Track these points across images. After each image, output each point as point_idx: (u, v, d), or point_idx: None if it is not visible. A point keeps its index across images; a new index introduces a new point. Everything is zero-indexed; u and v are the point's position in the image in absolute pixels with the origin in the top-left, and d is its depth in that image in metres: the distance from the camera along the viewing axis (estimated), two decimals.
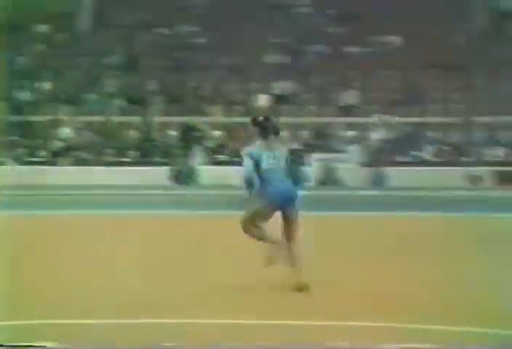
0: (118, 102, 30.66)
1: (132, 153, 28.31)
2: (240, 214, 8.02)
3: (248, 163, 7.85)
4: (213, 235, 12.52)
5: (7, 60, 30.62)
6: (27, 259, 10.05)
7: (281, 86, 31.20)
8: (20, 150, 28.21)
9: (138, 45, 32.79)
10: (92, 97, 30.70)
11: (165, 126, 29.50)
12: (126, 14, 33.45)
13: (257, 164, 7.85)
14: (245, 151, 7.94)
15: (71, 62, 31.66)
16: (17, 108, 29.79)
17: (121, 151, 28.38)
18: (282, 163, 7.88)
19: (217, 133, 29.32)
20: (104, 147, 28.55)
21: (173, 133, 29.12)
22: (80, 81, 31.28)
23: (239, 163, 8.47)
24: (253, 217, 7.84)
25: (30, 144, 28.61)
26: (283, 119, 29.67)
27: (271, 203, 7.78)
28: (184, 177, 26.97)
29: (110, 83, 31.40)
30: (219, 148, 28.62)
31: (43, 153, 28.31)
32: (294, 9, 34.84)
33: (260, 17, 33.37)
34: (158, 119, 29.68)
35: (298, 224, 7.91)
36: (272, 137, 7.92)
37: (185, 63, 31.72)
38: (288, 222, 7.87)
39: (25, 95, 30.55)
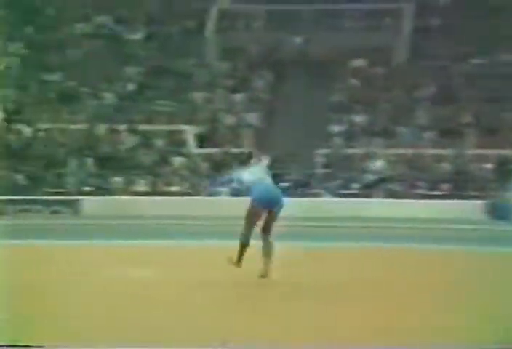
0: (430, 134, 30.33)
1: (444, 186, 27.81)
2: None
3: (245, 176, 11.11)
4: None
5: (322, 94, 31.74)
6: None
7: None
8: (335, 183, 28.76)
9: (453, 76, 32.29)
10: (404, 129, 30.64)
11: (479, 158, 28.64)
12: (442, 46, 33.10)
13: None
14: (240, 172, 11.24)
15: (384, 95, 31.91)
16: (329, 141, 30.55)
17: (433, 184, 27.98)
18: (267, 176, 10.94)
19: None
20: (416, 180, 28.32)
21: (488, 166, 28.19)
22: (393, 113, 31.38)
23: None
24: (249, 214, 10.66)
25: (344, 176, 29.09)
26: None
27: (260, 204, 10.62)
28: (499, 211, 25.91)
29: (423, 116, 31.16)
30: None
31: (355, 185, 28.65)
32: None
33: None
34: (471, 151, 28.93)
35: (275, 220, 10.68)
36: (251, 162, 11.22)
37: (500, 94, 30.66)
38: (270, 217, 10.66)
39: (338, 128, 31.24)
